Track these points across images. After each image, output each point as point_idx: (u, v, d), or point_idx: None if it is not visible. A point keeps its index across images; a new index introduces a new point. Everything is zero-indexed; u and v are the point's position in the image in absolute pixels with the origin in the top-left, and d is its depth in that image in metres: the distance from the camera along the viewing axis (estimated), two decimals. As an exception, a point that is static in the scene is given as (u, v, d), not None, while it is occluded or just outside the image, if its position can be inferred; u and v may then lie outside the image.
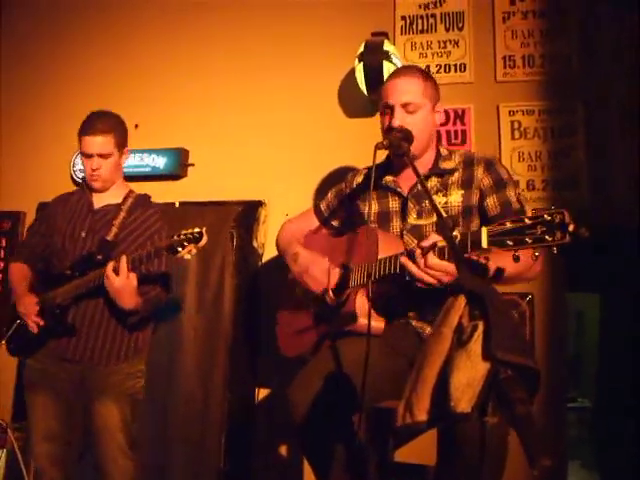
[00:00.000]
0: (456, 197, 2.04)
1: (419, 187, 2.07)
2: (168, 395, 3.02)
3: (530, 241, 1.43)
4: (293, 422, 1.87)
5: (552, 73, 2.93)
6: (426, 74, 2.13)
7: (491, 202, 2.03)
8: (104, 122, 2.41)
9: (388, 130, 2.02)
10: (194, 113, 3.32)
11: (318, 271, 2.09)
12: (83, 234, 2.43)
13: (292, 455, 2.96)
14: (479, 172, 2.06)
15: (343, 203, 2.29)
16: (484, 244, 1.53)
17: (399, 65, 2.92)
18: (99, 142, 2.38)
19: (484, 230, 1.53)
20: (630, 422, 3.63)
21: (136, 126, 3.34)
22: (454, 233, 1.52)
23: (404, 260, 1.76)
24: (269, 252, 3.11)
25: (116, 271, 2.22)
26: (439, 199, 2.05)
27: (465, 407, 1.08)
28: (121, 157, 2.48)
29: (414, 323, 2.08)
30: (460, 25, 3.07)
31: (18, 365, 3.29)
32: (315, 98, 3.17)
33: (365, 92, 2.94)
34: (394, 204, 2.12)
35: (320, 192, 3.05)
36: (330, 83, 3.16)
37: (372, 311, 2.00)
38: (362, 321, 2.00)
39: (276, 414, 2.94)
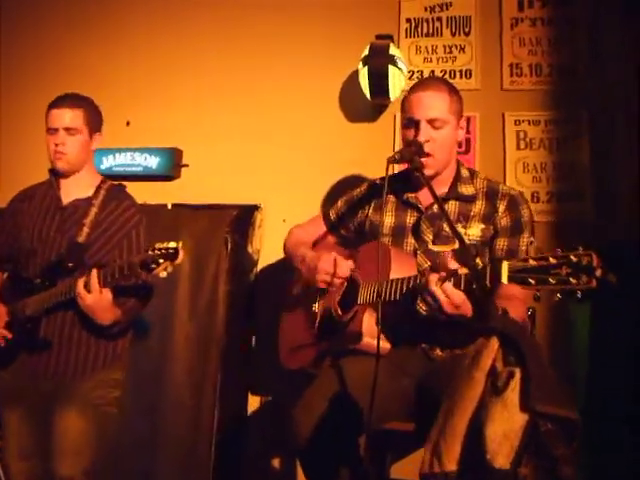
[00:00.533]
0: (476, 231, 1.97)
1: (434, 208, 2.00)
2: (157, 404, 2.92)
3: (554, 282, 1.36)
4: (297, 444, 1.81)
5: (559, 83, 2.86)
6: (452, 88, 2.04)
7: (500, 244, 1.97)
8: (75, 98, 2.27)
9: (409, 145, 1.94)
10: (189, 111, 3.20)
11: (326, 264, 2.01)
12: (52, 234, 2.25)
13: (284, 468, 2.88)
14: (501, 208, 1.99)
15: (354, 212, 2.22)
16: (504, 279, 1.47)
17: (405, 70, 2.84)
18: (67, 115, 2.22)
19: (505, 264, 1.47)
20: (625, 428, 3.61)
21: (127, 123, 3.24)
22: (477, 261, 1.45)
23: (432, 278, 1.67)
24: (265, 258, 3.02)
25: (87, 287, 2.05)
26: (458, 229, 1.99)
27: (503, 463, 1.01)
28: (91, 140, 2.29)
29: (422, 345, 2.01)
30: (467, 30, 2.99)
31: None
32: (315, 100, 3.07)
33: (368, 97, 2.84)
34: (411, 220, 2.05)
35: (319, 197, 2.97)
36: (331, 85, 3.06)
37: (377, 330, 1.96)
38: (367, 340, 1.93)
39: (269, 425, 2.86)
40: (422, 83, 2.08)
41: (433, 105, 1.96)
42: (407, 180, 2.10)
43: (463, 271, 1.55)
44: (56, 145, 2.23)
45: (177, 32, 3.28)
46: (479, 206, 2.00)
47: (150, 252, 1.94)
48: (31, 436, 2.20)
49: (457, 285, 1.59)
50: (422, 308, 1.93)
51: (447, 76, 2.95)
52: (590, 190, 2.76)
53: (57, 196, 2.31)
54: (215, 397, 2.88)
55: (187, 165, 3.18)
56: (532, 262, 1.40)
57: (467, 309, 1.66)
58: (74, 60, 3.35)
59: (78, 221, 2.24)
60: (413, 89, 2.04)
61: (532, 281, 1.39)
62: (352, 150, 2.97)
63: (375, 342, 1.93)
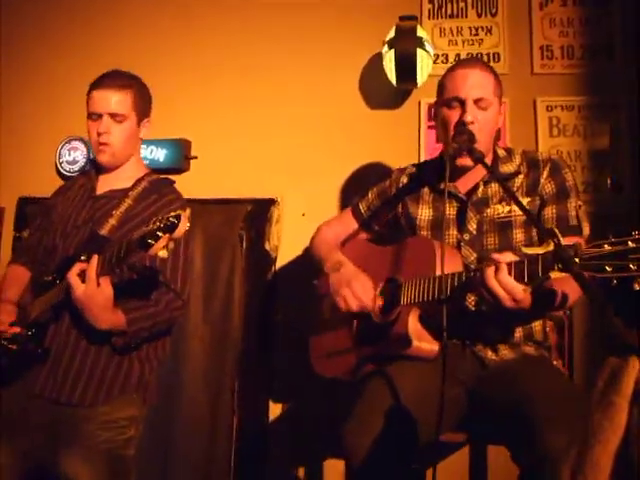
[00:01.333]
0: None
1: (479, 193, 1.87)
2: (172, 412, 2.74)
3: (635, 268, 1.24)
4: (352, 466, 1.65)
5: (593, 65, 2.71)
6: (494, 71, 1.92)
7: (548, 213, 1.84)
8: (124, 77, 1.96)
9: (457, 126, 1.80)
10: (197, 100, 2.99)
11: (360, 288, 1.87)
12: (78, 227, 1.93)
13: (308, 477, 2.72)
14: (544, 175, 1.86)
15: (387, 204, 2.07)
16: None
17: (432, 53, 2.67)
18: (113, 98, 1.90)
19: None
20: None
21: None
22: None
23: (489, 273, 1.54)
24: (283, 256, 2.84)
25: (82, 276, 1.69)
26: (501, 209, 1.86)
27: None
28: (139, 127, 1.99)
29: (474, 347, 1.86)
30: (493, 11, 2.82)
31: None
32: (334, 86, 2.88)
33: (394, 82, 2.67)
34: (451, 210, 1.90)
35: (340, 189, 2.80)
36: (351, 70, 2.87)
37: (426, 333, 1.81)
38: (416, 344, 1.79)
39: (292, 433, 2.70)
40: (466, 61, 2.00)
41: (480, 83, 1.83)
42: (439, 168, 1.95)
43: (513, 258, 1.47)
44: (99, 134, 1.92)
45: (184, 19, 3.07)
46: (521, 179, 1.88)
47: (151, 225, 1.56)
48: (22, 473, 1.84)
49: (518, 278, 1.48)
50: (471, 304, 1.82)
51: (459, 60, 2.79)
52: (629, 180, 2.62)
53: (92, 186, 2.01)
54: (233, 404, 2.73)
55: (196, 157, 2.97)
56: (607, 247, 1.28)
57: (527, 301, 1.56)
58: (77, 49, 3.13)
59: (107, 213, 1.92)
60: (456, 67, 1.91)
61: (609, 269, 1.27)
62: (374, 139, 2.80)
63: (423, 345, 1.81)
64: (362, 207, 2.14)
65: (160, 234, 1.51)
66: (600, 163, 2.66)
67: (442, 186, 1.89)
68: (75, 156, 3.03)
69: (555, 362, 1.93)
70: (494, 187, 1.88)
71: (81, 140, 3.03)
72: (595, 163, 2.67)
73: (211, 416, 2.74)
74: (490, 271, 1.53)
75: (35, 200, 3.04)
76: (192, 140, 2.98)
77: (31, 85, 3.15)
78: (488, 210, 1.86)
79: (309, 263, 2.68)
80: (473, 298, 1.82)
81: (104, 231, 1.89)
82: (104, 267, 1.69)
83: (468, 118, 1.79)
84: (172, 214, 1.53)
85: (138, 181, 2.00)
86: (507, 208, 1.84)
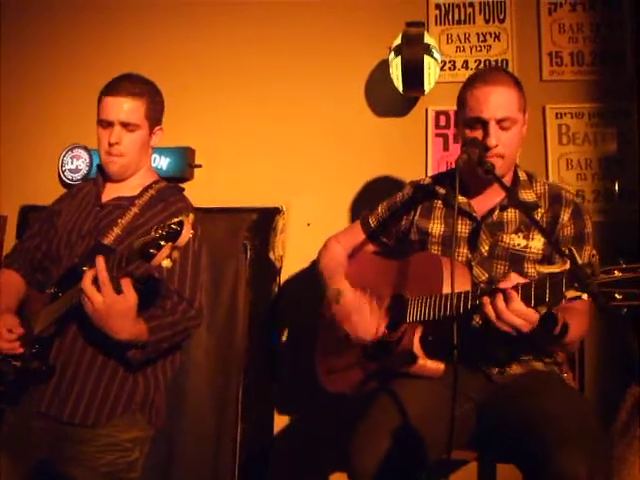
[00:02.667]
0: (537, 244, 1.79)
1: (494, 217, 1.82)
2: (175, 423, 2.69)
3: None
4: None
5: (603, 72, 2.66)
6: (518, 81, 1.83)
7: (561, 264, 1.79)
8: (136, 83, 1.85)
9: (471, 144, 1.74)
10: (202, 108, 2.95)
11: (362, 322, 1.83)
12: (82, 236, 1.85)
13: (314, 491, 2.68)
14: (565, 216, 1.81)
15: (397, 218, 2.02)
16: (584, 295, 1.31)
17: (439, 60, 2.63)
18: (125, 106, 1.80)
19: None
20: None
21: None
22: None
23: (486, 302, 1.53)
24: (288, 266, 2.79)
25: (96, 284, 1.56)
26: (518, 240, 1.81)
27: None
28: (151, 136, 1.91)
29: (482, 363, 1.82)
30: (501, 16, 2.78)
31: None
32: (340, 93, 2.84)
33: (401, 89, 2.62)
34: (464, 228, 1.85)
35: (346, 198, 2.76)
36: (357, 77, 2.83)
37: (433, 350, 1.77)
38: (422, 362, 1.76)
39: (298, 445, 2.65)
40: (489, 77, 1.81)
41: (503, 103, 1.75)
42: (453, 182, 1.91)
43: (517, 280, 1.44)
44: (110, 145, 1.83)
45: (189, 27, 3.04)
46: (540, 213, 1.83)
47: (153, 232, 1.46)
48: None
49: (526, 300, 1.45)
50: (477, 321, 1.77)
51: (482, 66, 2.74)
52: (639, 188, 2.57)
53: (98, 193, 1.91)
54: (238, 416, 2.69)
55: (200, 165, 2.93)
56: (617, 273, 1.26)
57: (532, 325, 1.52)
58: (80, 56, 3.10)
59: (112, 222, 1.84)
60: (478, 82, 1.79)
61: (619, 296, 1.23)
62: (381, 146, 2.76)
63: (429, 364, 1.77)
64: (372, 221, 2.09)
65: (162, 243, 1.42)
66: (610, 171, 2.61)
67: (455, 202, 1.86)
68: (78, 164, 3.00)
69: (566, 374, 1.88)
70: (511, 213, 1.83)
71: (84, 148, 3.00)
72: (605, 171, 2.62)
73: (215, 428, 2.70)
74: (501, 303, 1.49)
75: (37, 208, 3.01)
76: (196, 148, 2.94)
77: (34, 93, 3.11)
78: (503, 236, 1.81)
79: (314, 274, 2.67)
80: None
81: (108, 240, 1.80)
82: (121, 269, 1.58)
83: (492, 142, 1.72)
84: (174, 220, 1.44)
85: (145, 189, 1.91)
86: (524, 242, 1.79)
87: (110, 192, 1.92)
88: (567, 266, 1.23)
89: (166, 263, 1.44)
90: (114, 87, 1.84)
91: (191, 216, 1.47)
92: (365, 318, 1.83)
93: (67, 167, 3.00)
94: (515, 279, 1.52)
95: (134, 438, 1.78)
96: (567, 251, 1.27)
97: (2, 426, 1.86)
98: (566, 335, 1.60)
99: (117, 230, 1.81)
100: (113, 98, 1.82)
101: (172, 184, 2.00)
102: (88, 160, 2.99)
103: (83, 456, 1.72)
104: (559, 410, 1.56)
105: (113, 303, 1.55)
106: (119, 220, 1.83)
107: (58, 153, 3.01)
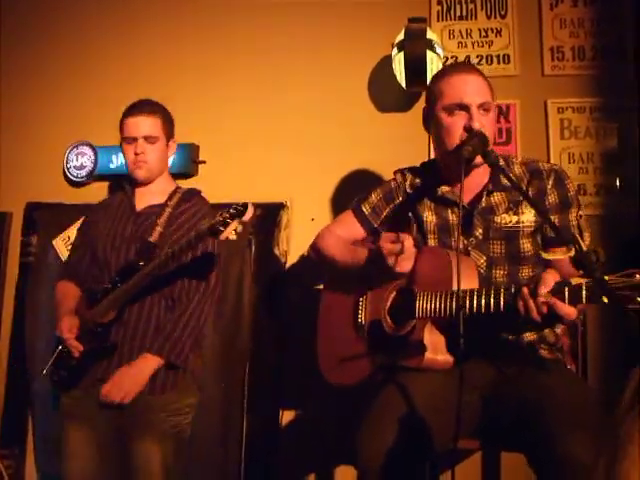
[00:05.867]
0: (529, 216, 1.83)
1: (483, 203, 1.85)
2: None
3: None
4: (365, 473, 1.62)
5: (604, 67, 2.69)
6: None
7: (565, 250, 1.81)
8: (151, 105, 2.24)
9: (467, 132, 1.78)
10: (205, 104, 2.96)
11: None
12: (125, 241, 2.18)
13: (320, 484, 2.70)
14: (548, 186, 1.84)
15: (394, 207, 2.03)
16: (605, 299, 1.35)
17: (442, 55, 2.65)
18: (146, 123, 2.19)
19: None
20: None
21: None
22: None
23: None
24: (292, 260, 2.81)
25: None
26: (509, 218, 1.84)
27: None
28: (167, 147, 2.28)
29: (488, 352, 1.83)
30: (503, 12, 2.80)
31: (6, 386, 2.96)
32: (343, 90, 2.85)
33: (403, 85, 2.64)
34: (454, 217, 1.88)
35: (349, 192, 2.72)
36: (359, 73, 2.85)
37: (442, 344, 1.79)
38: (430, 356, 1.77)
39: (303, 439, 2.67)
40: (459, 67, 1.95)
41: (481, 89, 1.83)
42: (431, 173, 1.96)
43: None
44: (136, 155, 2.19)
45: (194, 25, 3.06)
46: (525, 191, 1.85)
47: (218, 217, 1.88)
48: (93, 461, 2.10)
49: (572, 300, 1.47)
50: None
51: (484, 62, 2.77)
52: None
53: (132, 203, 2.26)
54: (243, 411, 2.70)
55: (204, 161, 2.95)
56: (638, 277, 1.30)
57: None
58: (85, 54, 3.12)
59: (152, 223, 2.18)
60: (450, 73, 1.88)
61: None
62: (384, 141, 2.77)
63: (439, 357, 1.79)
64: (365, 209, 2.06)
65: (229, 221, 1.84)
66: (612, 165, 2.64)
67: (439, 193, 1.90)
68: (83, 161, 3.02)
69: (569, 366, 1.90)
70: (497, 196, 1.86)
71: (89, 145, 3.01)
72: (607, 165, 2.64)
73: (221, 423, 2.72)
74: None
75: (42, 205, 3.04)
76: (200, 144, 2.96)
77: (38, 90, 3.13)
78: (495, 218, 1.84)
79: (318, 267, 2.68)
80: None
81: (153, 238, 2.14)
82: (161, 262, 1.99)
83: (476, 125, 1.77)
84: (240, 203, 1.87)
85: (171, 195, 2.26)
86: (515, 218, 1.83)
87: (141, 202, 2.25)
88: (572, 253, 1.24)
89: (232, 237, 1.90)
90: (133, 110, 2.21)
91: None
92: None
93: (72, 164, 3.02)
94: (552, 280, 1.52)
95: (191, 403, 2.15)
96: (572, 237, 1.28)
97: (63, 399, 2.16)
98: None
99: (159, 229, 2.16)
100: (134, 118, 2.19)
101: (191, 187, 2.37)
102: (93, 157, 3.00)
103: (155, 421, 2.05)
104: (563, 396, 1.58)
105: (130, 388, 2.04)
106: (158, 221, 2.17)
107: (63, 150, 3.03)
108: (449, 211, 1.89)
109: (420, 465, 1.67)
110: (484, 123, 1.79)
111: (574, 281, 1.43)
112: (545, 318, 1.53)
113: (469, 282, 1.71)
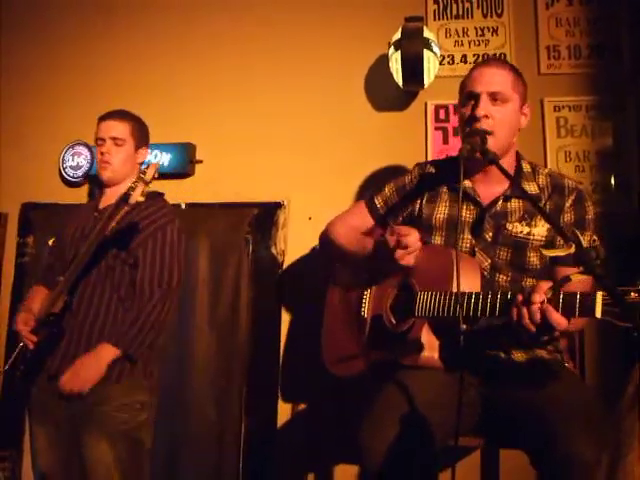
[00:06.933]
0: (541, 230, 1.81)
1: (498, 207, 1.84)
2: (179, 419, 2.73)
3: None
4: (369, 472, 1.62)
5: (600, 65, 2.69)
6: (516, 69, 1.88)
7: (561, 242, 1.79)
8: (124, 112, 2.34)
9: (469, 122, 1.77)
10: (202, 103, 2.96)
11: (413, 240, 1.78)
12: (85, 237, 2.18)
13: (318, 483, 2.70)
14: (567, 204, 1.83)
15: (406, 200, 2.01)
16: (597, 313, 1.35)
17: (438, 54, 2.65)
18: (113, 126, 2.29)
19: (599, 296, 1.34)
20: None
21: (135, 118, 2.99)
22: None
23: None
24: (290, 260, 2.81)
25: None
26: (521, 228, 1.82)
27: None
28: (137, 152, 2.33)
29: (487, 352, 1.83)
30: (499, 11, 2.80)
31: (2, 387, 2.95)
32: (340, 88, 2.86)
33: (400, 83, 2.65)
34: (468, 214, 1.87)
35: (346, 192, 2.77)
36: (356, 72, 2.85)
37: (438, 344, 1.80)
38: (427, 355, 1.78)
39: (301, 435, 2.67)
40: (483, 61, 2.02)
41: (495, 79, 1.81)
42: (455, 167, 1.92)
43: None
44: (102, 154, 2.28)
45: (189, 23, 3.05)
46: (543, 202, 1.84)
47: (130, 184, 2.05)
48: (55, 455, 2.13)
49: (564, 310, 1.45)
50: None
51: (480, 60, 2.75)
52: (637, 180, 2.59)
53: (96, 204, 2.33)
54: (241, 410, 2.71)
55: (201, 161, 2.95)
56: (633, 295, 1.27)
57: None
58: (81, 53, 3.12)
59: (110, 218, 2.17)
60: (473, 68, 1.89)
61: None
62: (381, 141, 2.78)
63: (436, 356, 1.79)
64: (378, 202, 2.06)
65: (135, 184, 2.01)
66: (608, 163, 2.64)
67: (459, 186, 1.83)
68: (79, 161, 3.01)
69: (567, 364, 1.91)
70: (514, 203, 1.85)
71: (85, 145, 3.00)
72: (603, 163, 2.65)
73: (219, 422, 2.72)
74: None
75: (38, 205, 3.03)
76: (197, 144, 2.96)
77: (34, 90, 3.12)
78: (507, 225, 1.83)
79: (316, 266, 2.68)
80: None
81: (107, 232, 2.13)
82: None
83: (480, 112, 1.76)
84: (143, 168, 2.05)
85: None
86: (527, 229, 1.81)
87: (105, 201, 2.29)
88: (572, 250, 1.24)
89: (140, 198, 2.03)
90: (107, 115, 2.33)
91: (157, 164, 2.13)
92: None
93: (68, 164, 3.01)
94: (545, 286, 1.50)
95: (142, 401, 2.12)
96: (572, 235, 1.28)
97: (30, 394, 2.19)
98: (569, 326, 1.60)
99: (113, 223, 2.13)
100: (105, 122, 2.31)
101: (154, 191, 2.34)
102: (89, 157, 2.99)
103: (100, 416, 2.05)
104: (564, 394, 1.58)
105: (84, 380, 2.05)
106: (114, 216, 2.15)
107: (59, 150, 3.02)
108: (464, 207, 1.87)
109: (423, 460, 1.67)
110: (493, 113, 1.78)
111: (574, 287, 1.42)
112: (540, 328, 1.51)
113: (471, 283, 1.71)
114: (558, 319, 1.46)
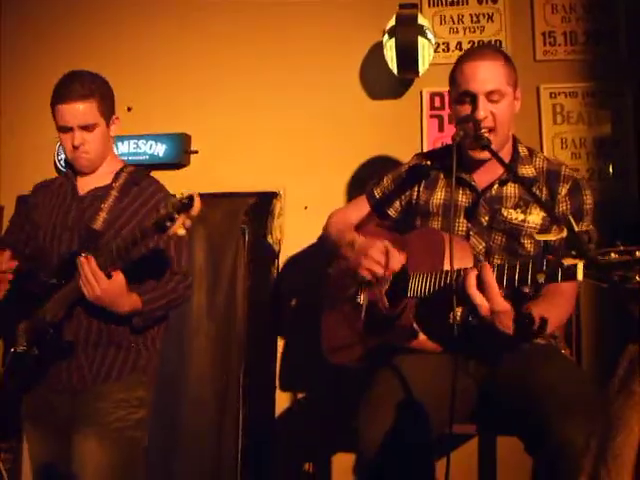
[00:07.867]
0: (536, 218, 1.81)
1: (493, 191, 1.84)
2: (177, 409, 2.73)
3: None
4: (364, 458, 1.63)
5: (596, 52, 2.68)
6: (507, 56, 1.86)
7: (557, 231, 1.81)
8: (84, 84, 1.93)
9: (469, 121, 1.76)
10: (195, 92, 2.95)
11: (377, 253, 1.80)
12: (68, 228, 2.00)
13: (317, 473, 2.71)
14: (562, 192, 1.83)
15: (402, 189, 2.02)
16: (579, 276, 1.33)
17: (433, 41, 2.64)
18: (80, 110, 1.91)
19: (580, 264, 1.33)
20: None
21: (129, 109, 2.96)
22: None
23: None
24: (287, 249, 2.81)
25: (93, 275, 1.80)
26: (515, 215, 1.82)
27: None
28: (109, 127, 2.02)
29: (482, 338, 1.83)
30: (494, -3, 2.79)
31: (2, 379, 2.95)
32: (335, 77, 2.84)
33: (395, 71, 2.63)
34: (464, 199, 1.88)
35: (342, 181, 2.78)
36: (351, 60, 2.84)
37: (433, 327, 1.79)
38: (422, 337, 1.78)
39: (300, 425, 2.67)
40: (476, 52, 1.89)
41: (491, 76, 1.78)
42: (457, 156, 1.93)
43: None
44: (75, 147, 1.96)
45: (184, 15, 3.03)
46: (539, 191, 1.84)
47: (162, 210, 1.65)
48: (49, 458, 2.00)
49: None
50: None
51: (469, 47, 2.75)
52: (634, 167, 2.59)
53: (74, 187, 2.05)
54: (239, 400, 2.71)
55: (197, 151, 2.94)
56: (613, 255, 1.25)
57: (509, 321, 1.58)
58: (75, 43, 3.08)
59: (96, 209, 1.98)
60: (465, 59, 1.84)
61: (615, 278, 1.25)
62: (376, 129, 2.77)
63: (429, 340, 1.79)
64: (377, 192, 2.09)
65: (176, 216, 1.62)
66: (605, 150, 2.63)
67: (458, 176, 1.86)
68: (74, 153, 2.99)
69: (563, 351, 1.91)
70: (510, 188, 1.85)
71: (80, 136, 2.99)
72: (599, 150, 2.64)
73: (217, 411, 2.73)
74: (471, 280, 1.55)
75: (34, 198, 3.02)
76: (192, 134, 2.95)
77: (30, 82, 3.09)
78: (502, 210, 1.83)
79: (312, 255, 2.68)
80: None
81: (97, 226, 1.96)
82: (113, 259, 1.80)
83: (481, 115, 1.75)
84: (185, 195, 1.62)
85: (117, 175, 2.05)
86: (521, 216, 1.81)
87: (84, 185, 2.06)
88: (564, 234, 1.24)
89: (181, 232, 1.65)
90: (65, 94, 1.94)
91: (196, 192, 1.65)
92: (379, 247, 1.79)
93: (63, 156, 2.99)
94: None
95: (141, 397, 1.98)
96: (564, 219, 1.28)
97: (25, 399, 2.06)
98: (545, 328, 1.61)
99: (103, 214, 1.97)
100: (67, 105, 1.93)
101: (140, 168, 2.16)
102: (84, 148, 2.98)
103: (98, 413, 1.90)
104: (559, 380, 1.58)
105: (107, 289, 1.81)
106: (102, 205, 1.98)
107: (54, 143, 2.98)
108: (460, 192, 1.88)
109: (419, 448, 1.67)
110: (493, 112, 1.77)
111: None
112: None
113: (464, 261, 1.70)
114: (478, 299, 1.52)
